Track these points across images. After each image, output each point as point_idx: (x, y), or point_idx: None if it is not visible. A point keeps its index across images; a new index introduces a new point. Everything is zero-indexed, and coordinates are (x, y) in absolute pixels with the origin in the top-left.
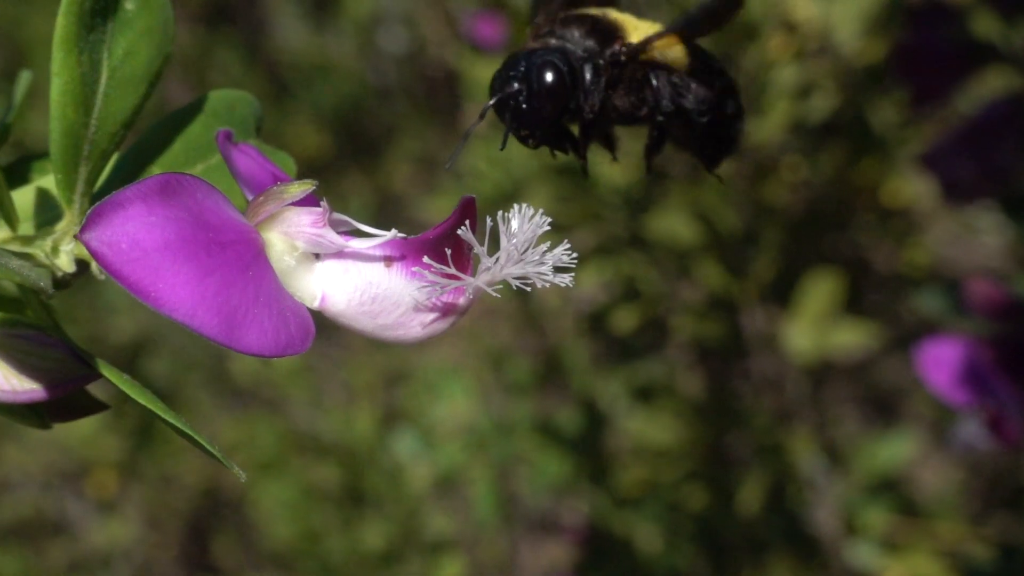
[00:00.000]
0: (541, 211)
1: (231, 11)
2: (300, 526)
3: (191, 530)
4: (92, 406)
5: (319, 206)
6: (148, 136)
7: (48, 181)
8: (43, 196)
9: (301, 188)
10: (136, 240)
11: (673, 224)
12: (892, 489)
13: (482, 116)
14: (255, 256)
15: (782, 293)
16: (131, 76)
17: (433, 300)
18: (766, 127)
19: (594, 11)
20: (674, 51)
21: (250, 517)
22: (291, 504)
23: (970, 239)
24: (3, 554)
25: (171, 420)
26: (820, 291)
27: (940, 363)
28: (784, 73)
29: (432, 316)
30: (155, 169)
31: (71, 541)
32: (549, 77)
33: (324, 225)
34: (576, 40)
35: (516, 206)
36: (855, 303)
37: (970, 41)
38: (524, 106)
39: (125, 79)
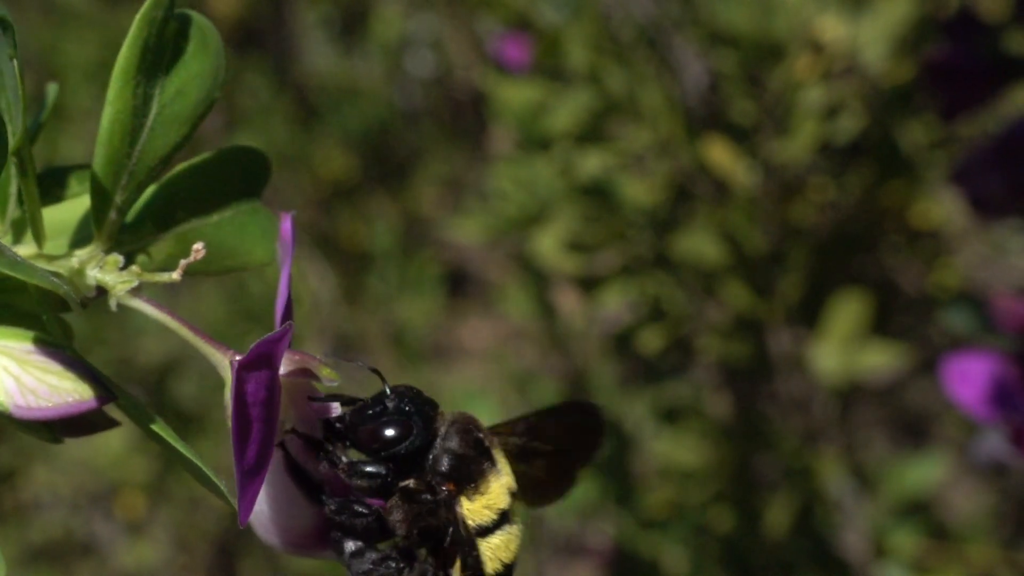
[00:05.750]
0: None
1: (260, 36)
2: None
3: (219, 552)
4: (103, 423)
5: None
6: (177, 178)
7: (84, 200)
8: (80, 214)
9: (331, 376)
10: (256, 390)
11: (699, 244)
12: (922, 512)
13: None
14: (276, 424)
15: (809, 314)
16: (178, 115)
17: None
18: (793, 147)
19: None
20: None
21: None
22: None
23: (1000, 260)
24: (33, 575)
25: (172, 441)
26: (848, 312)
27: (966, 378)
28: (811, 94)
29: (303, 546)
30: (179, 213)
31: (99, 562)
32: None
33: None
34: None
35: None
36: (883, 324)
37: (1003, 56)
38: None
39: (172, 117)
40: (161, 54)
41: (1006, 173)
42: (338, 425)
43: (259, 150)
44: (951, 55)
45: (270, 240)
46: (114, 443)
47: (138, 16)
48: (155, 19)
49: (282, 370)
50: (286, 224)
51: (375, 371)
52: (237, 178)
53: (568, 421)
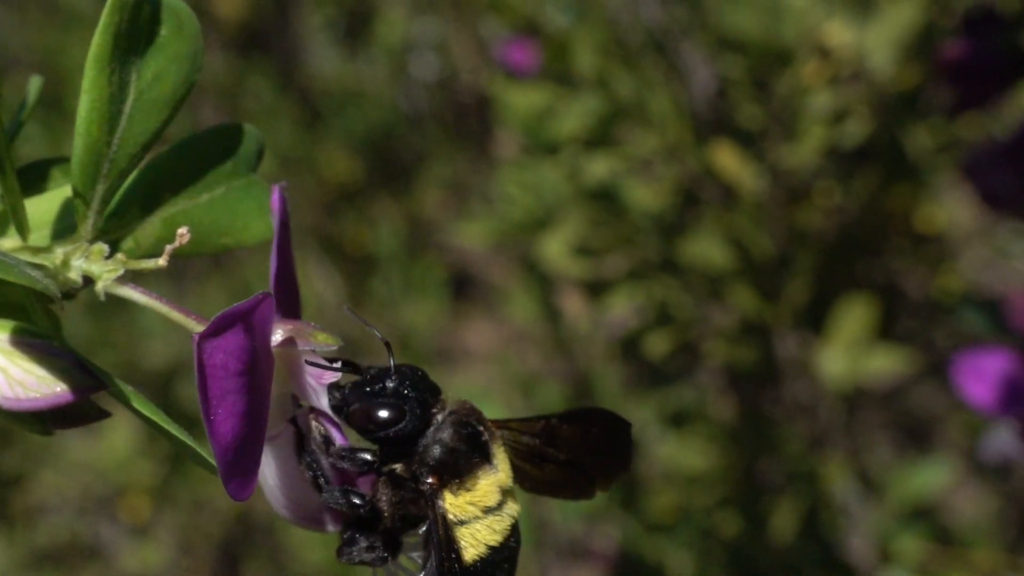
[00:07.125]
0: None
1: (264, 39)
2: (331, 551)
3: (223, 555)
4: (94, 414)
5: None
6: (161, 160)
7: (66, 190)
8: (63, 204)
9: (327, 342)
10: (226, 361)
11: (706, 248)
12: (926, 516)
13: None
14: (267, 395)
15: (815, 318)
16: (157, 100)
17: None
18: (800, 152)
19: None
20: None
21: (282, 542)
22: None
23: (1003, 264)
24: None
25: (164, 424)
26: (853, 316)
27: (978, 375)
28: (818, 99)
29: (315, 520)
30: (164, 195)
31: (105, 565)
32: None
33: (327, 384)
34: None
35: None
36: (888, 329)
37: (1017, 52)
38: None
39: (151, 102)
40: (135, 40)
41: (1019, 171)
42: (336, 394)
43: (246, 125)
44: (965, 50)
45: (267, 214)
46: (119, 446)
47: (109, 2)
48: (127, 4)
49: (276, 340)
50: (275, 196)
51: (386, 343)
52: (225, 156)
53: (591, 432)
